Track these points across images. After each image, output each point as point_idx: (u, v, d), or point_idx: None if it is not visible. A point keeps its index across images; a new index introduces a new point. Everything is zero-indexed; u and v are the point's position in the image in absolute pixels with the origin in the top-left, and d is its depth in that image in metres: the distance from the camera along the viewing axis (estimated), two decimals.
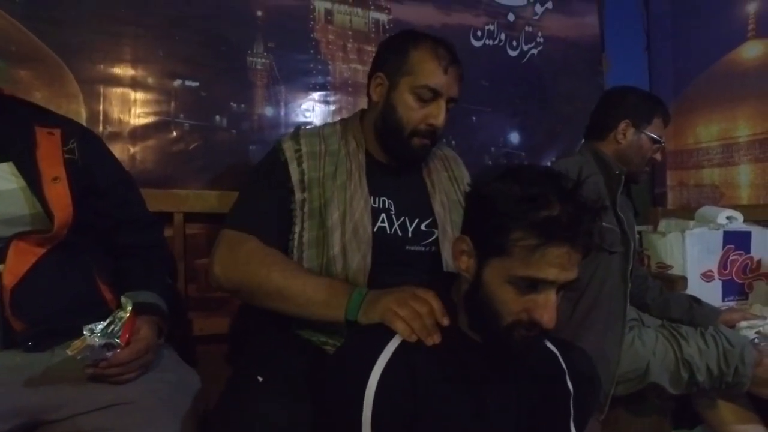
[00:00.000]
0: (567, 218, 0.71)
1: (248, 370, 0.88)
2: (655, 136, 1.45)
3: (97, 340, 0.79)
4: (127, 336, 0.84)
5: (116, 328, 0.83)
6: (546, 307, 0.73)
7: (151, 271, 1.08)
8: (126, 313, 0.85)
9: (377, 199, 1.09)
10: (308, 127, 1.18)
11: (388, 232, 1.07)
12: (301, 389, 0.84)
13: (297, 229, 1.04)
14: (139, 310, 0.89)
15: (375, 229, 1.05)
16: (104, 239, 1.07)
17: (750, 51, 2.13)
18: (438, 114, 1.06)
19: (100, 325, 0.82)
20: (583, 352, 1.00)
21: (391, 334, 0.79)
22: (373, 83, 1.13)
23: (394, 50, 1.10)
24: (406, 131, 1.07)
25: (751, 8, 2.12)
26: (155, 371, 0.91)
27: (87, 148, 1.03)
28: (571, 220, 0.71)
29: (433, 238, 1.11)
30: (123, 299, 0.87)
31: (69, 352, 0.80)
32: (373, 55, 1.18)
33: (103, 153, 1.11)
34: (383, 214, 1.08)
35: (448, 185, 1.20)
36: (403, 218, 1.09)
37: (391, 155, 1.13)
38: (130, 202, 1.11)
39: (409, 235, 1.09)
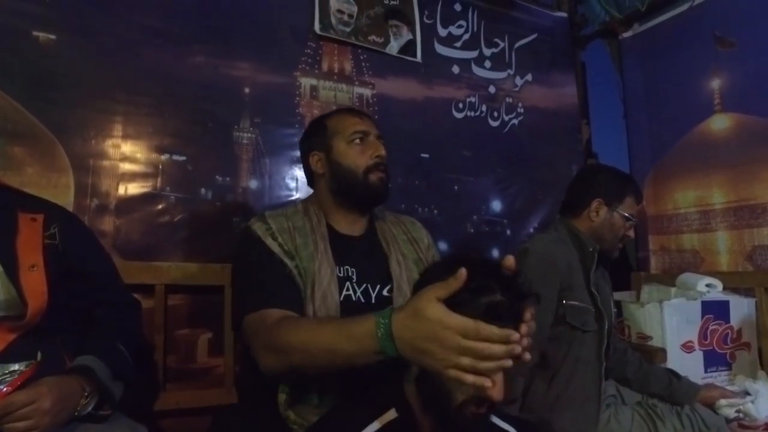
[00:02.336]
0: (508, 304, 0.77)
1: None
2: (627, 215, 1.49)
3: None
4: (6, 391, 0.83)
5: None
6: (496, 384, 0.74)
7: (103, 338, 1.06)
8: (24, 368, 0.85)
9: (342, 268, 1.13)
10: (270, 210, 1.22)
11: (353, 299, 1.11)
12: None
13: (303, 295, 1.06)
14: (66, 370, 0.89)
15: (342, 298, 1.09)
16: (78, 319, 1.08)
17: (717, 124, 2.23)
18: (377, 147, 1.19)
19: None
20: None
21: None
22: (311, 162, 1.23)
23: (314, 130, 1.26)
24: (359, 173, 1.17)
25: (715, 84, 2.24)
26: None
27: (69, 233, 1.06)
28: (511, 305, 0.77)
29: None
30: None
31: None
32: None
33: (85, 237, 1.13)
34: (348, 282, 1.12)
35: (406, 247, 1.25)
36: (365, 285, 1.14)
37: (357, 204, 1.20)
38: (108, 285, 1.13)
39: (373, 301, 1.13)
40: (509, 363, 0.69)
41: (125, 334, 1.12)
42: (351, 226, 1.21)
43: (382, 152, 1.19)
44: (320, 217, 1.19)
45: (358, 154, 1.18)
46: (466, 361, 0.69)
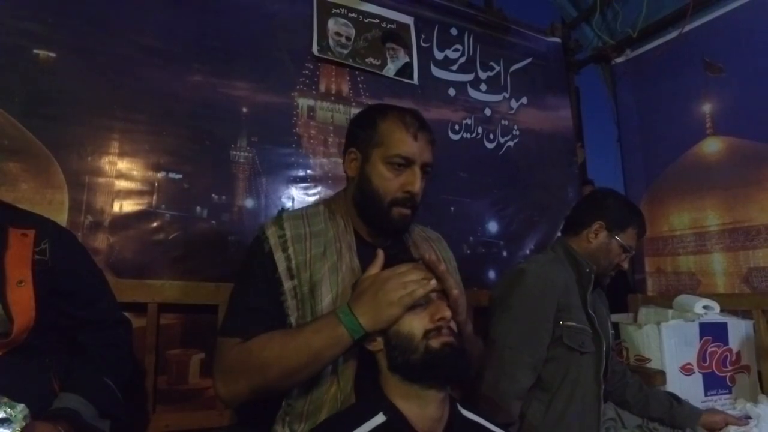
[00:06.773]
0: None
1: None
2: (625, 245, 1.49)
3: None
4: None
5: None
6: (439, 306, 0.92)
7: (90, 372, 1.03)
8: (18, 425, 0.83)
9: None
10: (291, 209, 1.18)
11: None
12: None
13: (293, 319, 1.02)
14: (48, 415, 0.87)
15: None
16: (65, 338, 1.06)
17: (710, 147, 2.26)
18: (414, 181, 1.06)
19: None
20: None
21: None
22: (347, 159, 1.13)
23: (363, 125, 1.12)
24: (384, 201, 1.06)
25: (706, 108, 2.28)
26: None
27: (59, 249, 1.05)
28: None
29: None
30: (21, 407, 0.85)
31: None
32: None
33: (76, 253, 1.12)
34: None
35: None
36: None
37: (373, 227, 1.12)
38: (95, 302, 1.11)
39: None
40: (434, 282, 0.90)
41: (114, 363, 1.10)
42: (375, 237, 1.13)
43: (416, 188, 1.06)
44: (347, 222, 1.12)
45: (391, 180, 1.06)
46: (409, 287, 0.89)
